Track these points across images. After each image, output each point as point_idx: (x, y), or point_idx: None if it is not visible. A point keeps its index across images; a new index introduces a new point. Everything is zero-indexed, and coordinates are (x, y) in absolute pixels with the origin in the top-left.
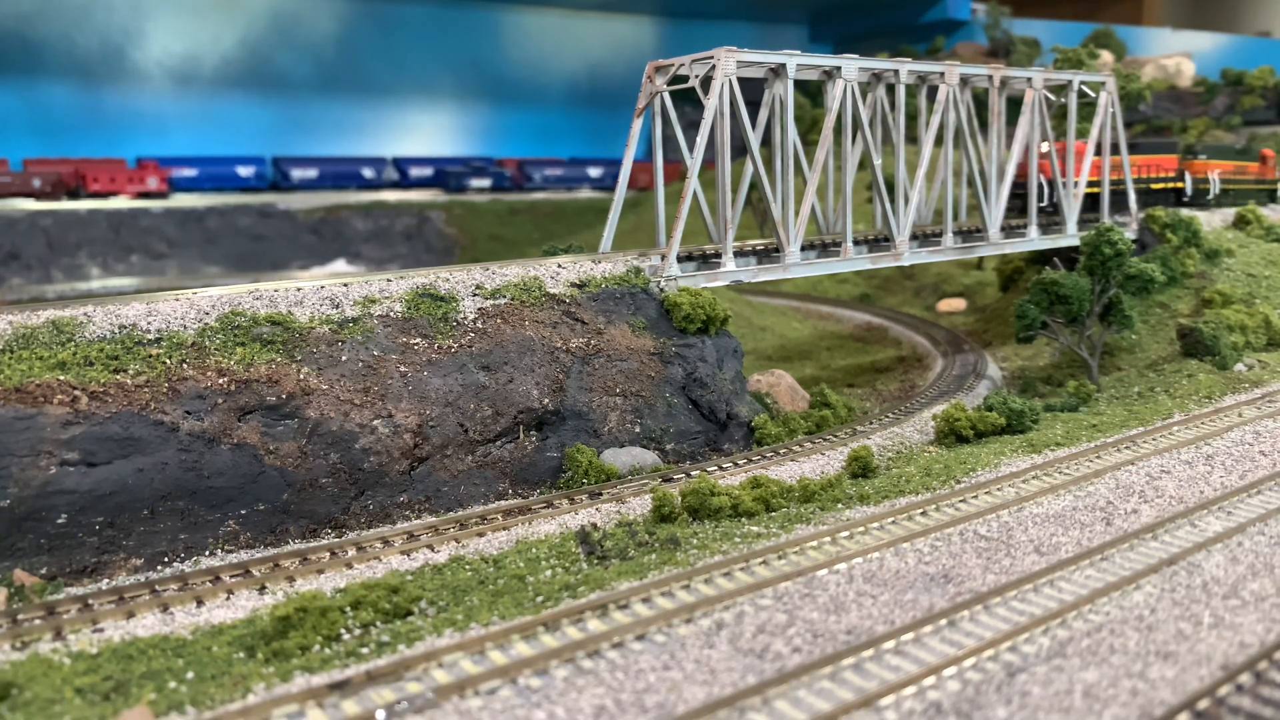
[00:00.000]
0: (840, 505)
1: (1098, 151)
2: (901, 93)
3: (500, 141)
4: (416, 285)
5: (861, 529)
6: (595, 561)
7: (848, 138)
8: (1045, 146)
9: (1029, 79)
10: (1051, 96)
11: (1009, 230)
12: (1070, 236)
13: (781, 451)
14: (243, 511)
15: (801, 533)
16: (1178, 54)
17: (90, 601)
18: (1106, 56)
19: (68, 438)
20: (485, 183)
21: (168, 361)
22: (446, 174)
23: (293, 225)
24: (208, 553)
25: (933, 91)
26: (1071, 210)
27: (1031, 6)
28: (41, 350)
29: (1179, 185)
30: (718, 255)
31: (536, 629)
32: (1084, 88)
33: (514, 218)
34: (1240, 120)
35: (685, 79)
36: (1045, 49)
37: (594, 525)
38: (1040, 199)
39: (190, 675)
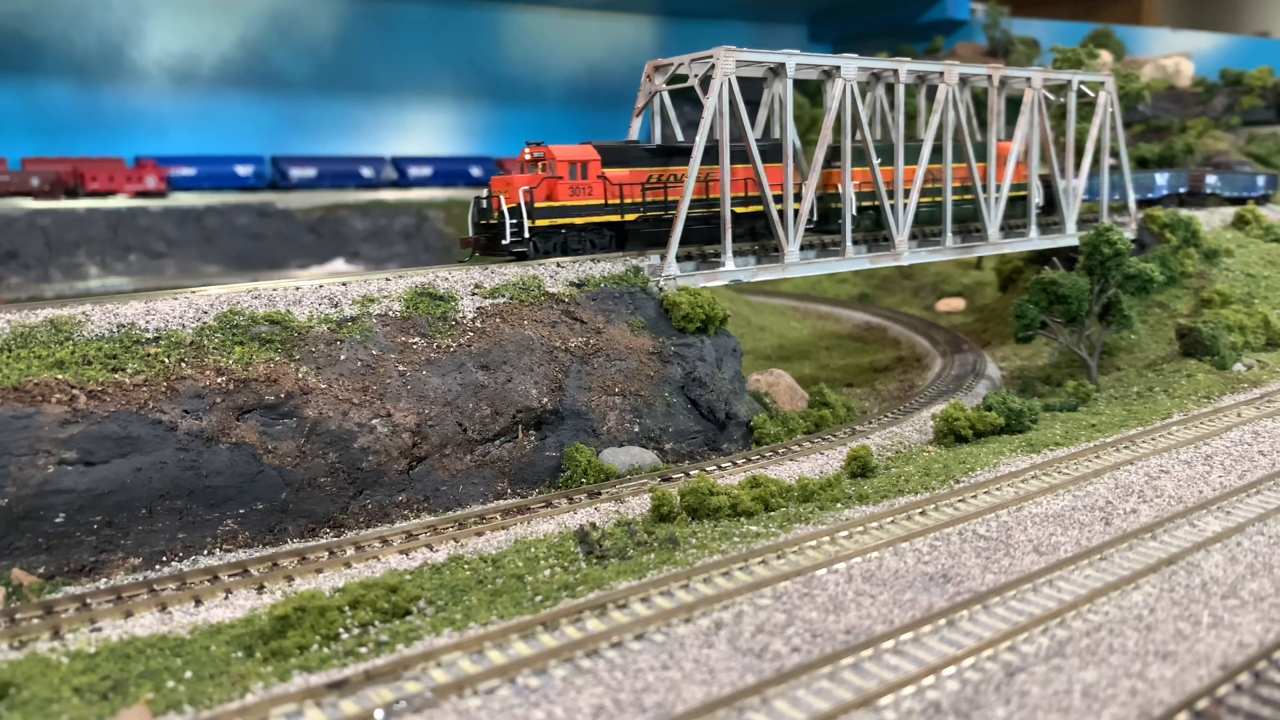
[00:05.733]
0: (839, 505)
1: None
2: (901, 92)
3: (499, 141)
4: (415, 284)
5: (860, 529)
6: (594, 561)
7: (847, 137)
8: (529, 153)
9: (1028, 79)
10: (1051, 96)
11: (1007, 230)
12: (1069, 236)
13: (780, 451)
14: (241, 511)
15: (800, 532)
16: (1176, 54)
17: (88, 601)
18: (1105, 56)
19: (66, 437)
20: None
21: (166, 360)
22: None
23: (291, 224)
24: (206, 552)
25: (932, 91)
26: (1071, 212)
27: (1030, 6)
28: (40, 349)
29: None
30: (717, 254)
31: (535, 628)
32: (1083, 87)
33: None
34: (1239, 120)
35: (684, 78)
36: (1044, 49)
37: (593, 525)
38: (504, 234)
39: (188, 674)
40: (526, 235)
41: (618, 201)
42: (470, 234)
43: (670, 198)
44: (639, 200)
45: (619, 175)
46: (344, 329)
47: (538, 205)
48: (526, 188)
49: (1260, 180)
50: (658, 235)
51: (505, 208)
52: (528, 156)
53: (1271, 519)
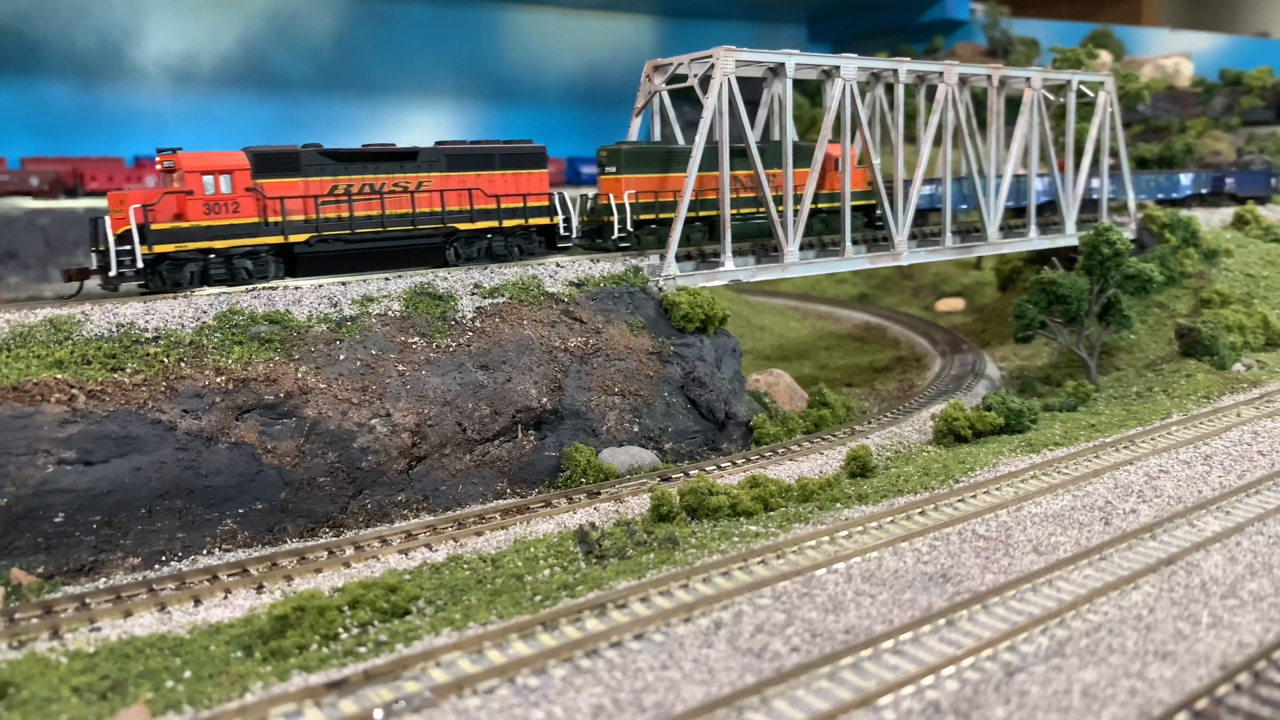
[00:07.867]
0: (839, 505)
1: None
2: (900, 92)
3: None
4: (414, 284)
5: (860, 528)
6: (593, 561)
7: (846, 137)
8: (159, 162)
9: (1028, 79)
10: (1050, 96)
11: (1007, 230)
12: (1069, 236)
13: (780, 451)
14: (240, 510)
15: (800, 532)
16: (1176, 54)
17: (87, 600)
18: (1105, 56)
19: (65, 436)
20: None
21: (165, 360)
22: None
23: None
24: (205, 552)
25: (931, 91)
26: (1073, 212)
27: (1030, 6)
28: (39, 348)
29: (545, 221)
30: (716, 254)
31: (534, 628)
32: (1083, 88)
33: None
34: (1239, 121)
35: (684, 78)
36: (1044, 49)
37: (592, 524)
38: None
39: (188, 674)
40: (141, 265)
41: (279, 219)
42: (93, 263)
43: (360, 213)
44: (312, 217)
45: (282, 187)
46: (343, 329)
47: (158, 227)
48: (140, 205)
49: (1184, 179)
50: (346, 261)
51: (111, 233)
52: (159, 166)
53: (1271, 519)
